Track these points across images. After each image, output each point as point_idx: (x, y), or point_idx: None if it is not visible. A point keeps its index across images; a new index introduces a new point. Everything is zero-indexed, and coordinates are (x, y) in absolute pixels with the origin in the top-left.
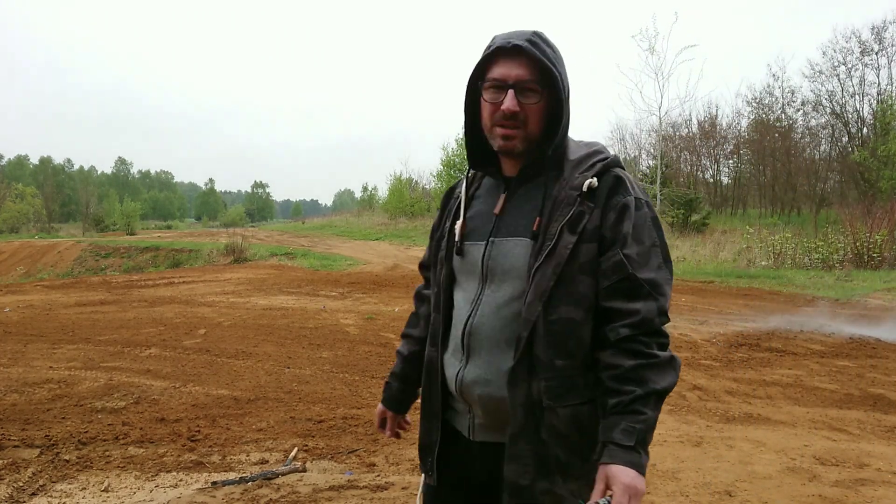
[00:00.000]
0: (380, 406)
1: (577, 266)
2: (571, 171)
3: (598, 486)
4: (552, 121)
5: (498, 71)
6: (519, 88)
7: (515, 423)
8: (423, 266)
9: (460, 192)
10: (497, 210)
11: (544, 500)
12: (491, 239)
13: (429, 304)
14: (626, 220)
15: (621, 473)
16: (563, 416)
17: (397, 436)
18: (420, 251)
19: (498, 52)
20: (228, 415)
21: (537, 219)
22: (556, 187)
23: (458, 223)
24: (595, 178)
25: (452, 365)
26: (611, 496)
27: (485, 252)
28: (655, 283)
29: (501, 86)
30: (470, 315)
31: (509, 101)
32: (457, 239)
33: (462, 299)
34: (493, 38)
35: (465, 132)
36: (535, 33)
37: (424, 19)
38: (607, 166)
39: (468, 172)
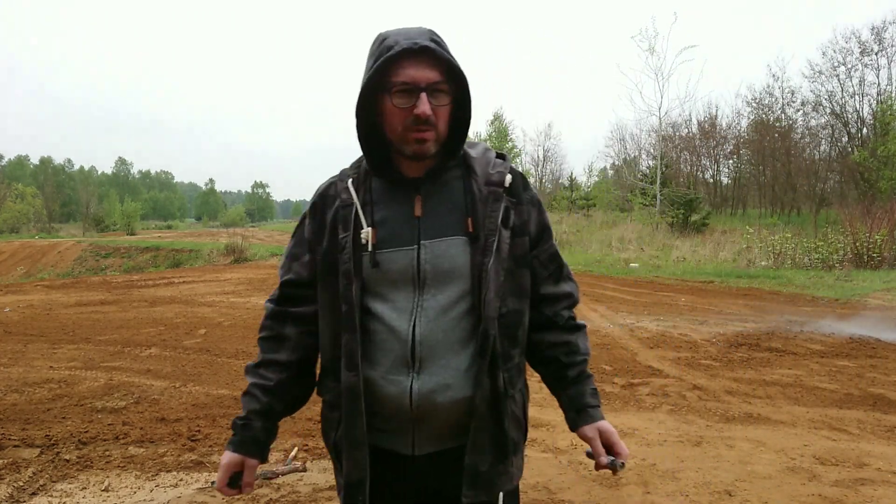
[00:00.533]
0: (231, 455)
1: (516, 260)
2: (482, 167)
3: (598, 443)
4: (457, 119)
5: (407, 74)
6: (430, 91)
7: (478, 417)
8: (294, 283)
9: (350, 200)
10: (418, 213)
11: (500, 481)
12: (422, 242)
13: (300, 325)
14: (543, 213)
15: (607, 425)
16: (518, 401)
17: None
18: None
19: (402, 54)
20: (228, 415)
21: (468, 218)
22: (473, 185)
23: (367, 232)
24: (509, 174)
25: (395, 382)
26: (618, 455)
27: (417, 257)
28: (568, 271)
29: (412, 90)
30: (413, 325)
31: (424, 106)
32: (370, 248)
33: (391, 311)
34: (387, 39)
35: (361, 140)
36: (432, 31)
37: (425, 19)
38: (507, 162)
39: (349, 180)
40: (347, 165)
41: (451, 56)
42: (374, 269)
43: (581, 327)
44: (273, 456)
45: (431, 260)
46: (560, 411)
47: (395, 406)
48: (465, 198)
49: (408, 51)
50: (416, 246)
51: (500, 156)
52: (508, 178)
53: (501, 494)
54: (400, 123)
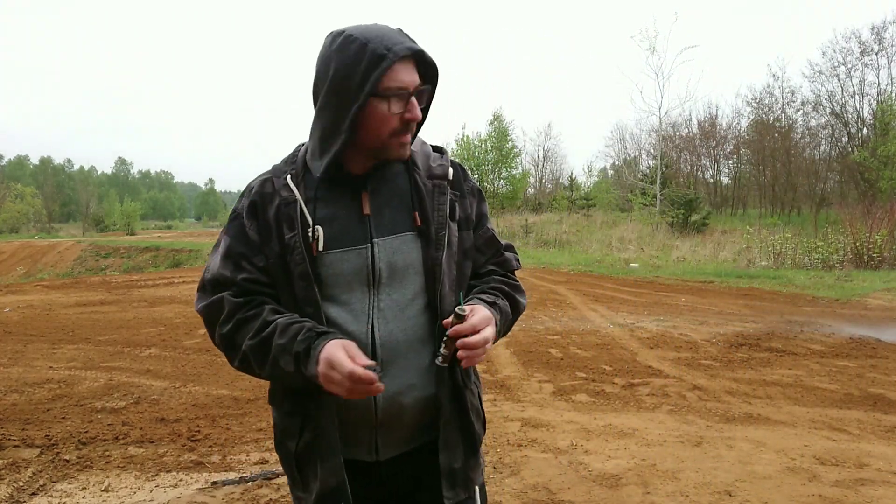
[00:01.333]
0: (335, 343)
1: (464, 253)
2: (423, 161)
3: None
4: None
5: (399, 79)
6: (416, 95)
7: (445, 413)
8: (254, 282)
9: (292, 196)
10: (366, 210)
11: (474, 475)
12: (374, 241)
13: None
14: (483, 201)
15: (483, 309)
16: (475, 392)
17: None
18: None
19: (388, 66)
20: (228, 415)
21: (415, 212)
22: (417, 178)
23: (317, 230)
24: (451, 167)
25: None
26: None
27: (372, 256)
28: (508, 244)
29: (403, 94)
30: (370, 327)
31: (417, 111)
32: (320, 249)
33: (347, 314)
34: (369, 42)
35: (323, 141)
36: (401, 30)
37: (425, 19)
38: (445, 155)
39: (287, 176)
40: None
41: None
42: (322, 272)
43: (516, 280)
44: (273, 456)
45: (386, 258)
46: (560, 411)
47: (359, 413)
48: (412, 192)
49: (397, 55)
50: (368, 245)
51: (437, 149)
52: (451, 171)
53: (477, 489)
54: (388, 128)
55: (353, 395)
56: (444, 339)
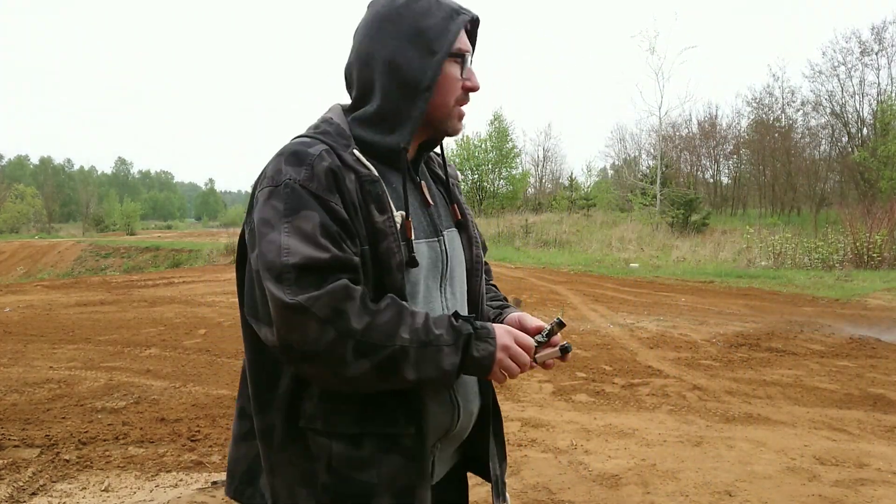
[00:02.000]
0: (505, 327)
1: None
2: (429, 153)
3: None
4: None
5: (465, 42)
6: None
7: (493, 422)
8: (354, 268)
9: (372, 174)
10: (429, 199)
11: (506, 480)
12: (443, 233)
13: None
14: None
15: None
16: (495, 395)
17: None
18: None
19: (463, 24)
20: (228, 415)
21: (454, 206)
22: (439, 171)
23: (400, 218)
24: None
25: (440, 400)
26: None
27: (442, 250)
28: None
29: (465, 60)
30: None
31: (476, 79)
32: (412, 237)
33: (425, 311)
34: (442, 3)
35: (416, 111)
36: None
37: None
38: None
39: (353, 149)
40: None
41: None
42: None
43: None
44: None
45: (451, 253)
46: (560, 411)
47: (437, 424)
48: (445, 185)
49: (469, 18)
50: (440, 237)
51: None
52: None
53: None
54: (453, 95)
55: (517, 374)
56: (541, 341)
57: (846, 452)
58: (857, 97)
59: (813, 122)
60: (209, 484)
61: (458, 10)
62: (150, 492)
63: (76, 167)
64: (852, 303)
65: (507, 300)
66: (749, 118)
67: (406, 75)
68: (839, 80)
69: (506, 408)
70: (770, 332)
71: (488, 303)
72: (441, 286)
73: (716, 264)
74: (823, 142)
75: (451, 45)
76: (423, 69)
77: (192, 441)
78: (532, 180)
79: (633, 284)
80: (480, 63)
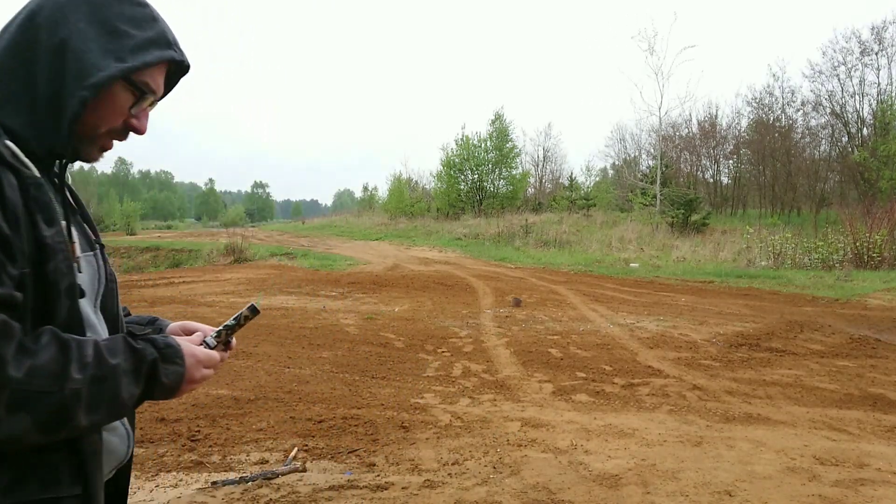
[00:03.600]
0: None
1: None
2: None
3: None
4: None
5: (156, 79)
6: (154, 105)
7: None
8: (10, 305)
9: (37, 178)
10: (75, 206)
11: None
12: (97, 245)
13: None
14: None
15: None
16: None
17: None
18: (421, 251)
19: (169, 59)
20: (228, 415)
21: (85, 226)
22: (71, 186)
23: (66, 230)
24: None
25: (114, 429)
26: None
27: (99, 264)
28: None
29: (146, 99)
30: None
31: (146, 123)
32: (78, 253)
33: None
34: (165, 26)
35: (71, 114)
36: None
37: (425, 19)
38: None
39: (5, 140)
40: None
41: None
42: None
43: None
44: (273, 456)
45: (103, 270)
46: (560, 411)
47: (116, 460)
48: (73, 199)
49: (179, 62)
50: (95, 250)
51: None
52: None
53: None
54: (109, 125)
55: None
56: (226, 329)
57: (846, 452)
58: (857, 97)
59: (813, 122)
60: (209, 484)
61: (172, 43)
62: (150, 492)
63: (76, 167)
64: (852, 303)
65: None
66: (749, 118)
67: (77, 64)
68: (839, 79)
69: (506, 408)
70: (770, 332)
71: (136, 323)
72: (95, 306)
73: (716, 264)
74: (823, 142)
75: (141, 69)
76: (97, 66)
77: (191, 441)
78: (532, 180)
79: (633, 284)
80: (480, 63)
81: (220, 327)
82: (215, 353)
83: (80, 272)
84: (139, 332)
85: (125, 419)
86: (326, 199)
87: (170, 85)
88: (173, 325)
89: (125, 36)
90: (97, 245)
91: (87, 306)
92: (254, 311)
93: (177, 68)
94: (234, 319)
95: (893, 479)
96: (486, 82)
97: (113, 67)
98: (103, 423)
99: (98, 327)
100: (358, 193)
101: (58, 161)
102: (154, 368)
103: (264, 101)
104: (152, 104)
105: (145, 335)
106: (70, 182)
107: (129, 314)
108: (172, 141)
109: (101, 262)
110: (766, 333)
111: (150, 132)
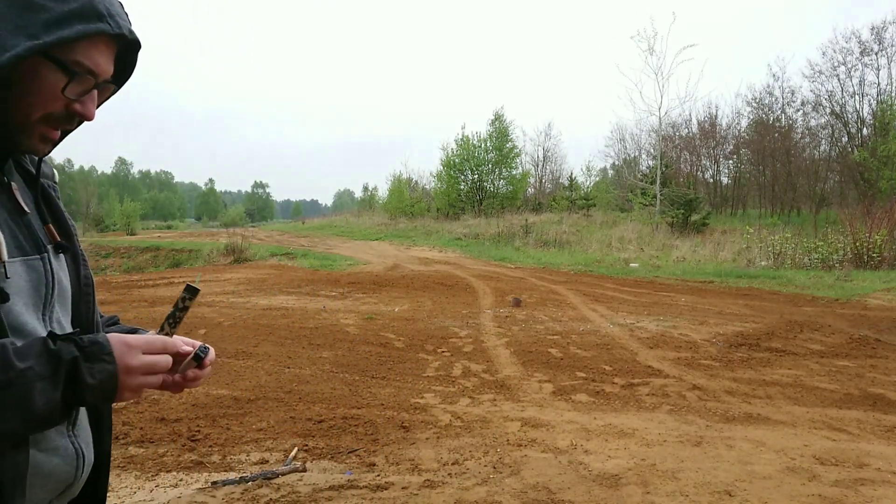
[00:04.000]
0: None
1: None
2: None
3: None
4: None
5: (94, 59)
6: (100, 87)
7: (106, 463)
8: None
9: None
10: (26, 207)
11: None
12: (48, 248)
13: None
14: None
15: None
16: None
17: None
18: (421, 251)
19: (104, 34)
20: (228, 415)
21: (48, 226)
22: (39, 178)
23: None
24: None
25: (56, 450)
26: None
27: (47, 269)
28: None
29: (87, 81)
30: None
31: (92, 108)
32: (4, 258)
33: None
34: None
35: None
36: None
37: (424, 19)
38: None
39: None
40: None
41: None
42: (8, 289)
43: None
44: (273, 456)
45: (56, 273)
46: (560, 411)
47: (62, 484)
48: (40, 196)
49: (118, 36)
50: (42, 254)
51: None
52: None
53: None
54: (44, 110)
55: (175, 386)
56: (168, 319)
57: (846, 452)
58: (857, 97)
59: (813, 122)
60: (209, 484)
61: (103, 15)
62: (150, 492)
63: (76, 167)
64: (852, 303)
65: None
66: (749, 118)
67: None
68: (839, 80)
69: (506, 408)
70: (770, 332)
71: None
72: (45, 317)
73: (716, 264)
74: (823, 142)
75: (59, 45)
76: (4, 46)
77: (191, 441)
78: (532, 180)
79: (633, 284)
80: (480, 63)
81: (167, 316)
82: (157, 337)
83: (7, 277)
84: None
85: (78, 435)
86: (326, 199)
87: (124, 65)
88: (123, 326)
89: (41, 10)
90: (51, 247)
91: (26, 313)
92: (192, 291)
93: (128, 46)
94: (172, 307)
95: (893, 479)
96: (486, 82)
97: (21, 46)
98: (18, 435)
99: (39, 335)
100: (358, 193)
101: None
102: (74, 369)
103: (264, 101)
104: (101, 87)
105: (72, 334)
106: (33, 179)
107: (116, 322)
108: (172, 141)
109: (49, 267)
110: (766, 333)
111: (150, 132)
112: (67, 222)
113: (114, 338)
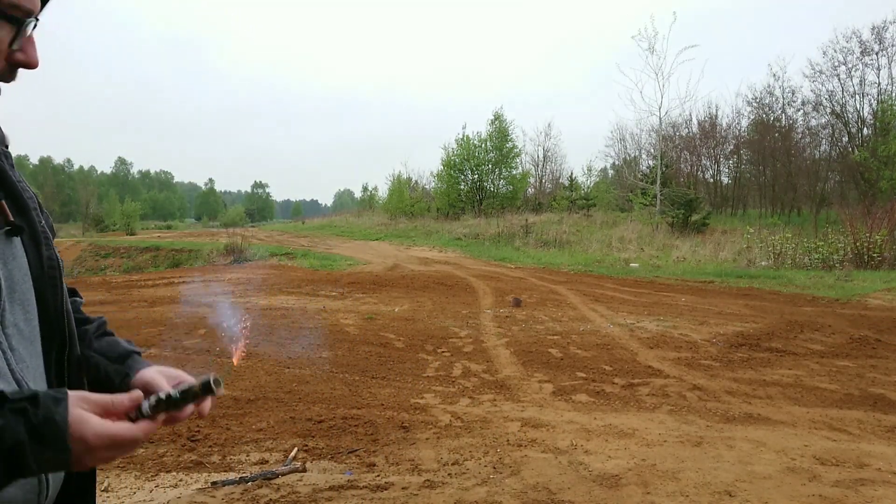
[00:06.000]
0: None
1: None
2: None
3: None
4: None
5: None
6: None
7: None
8: None
9: None
10: None
11: None
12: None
13: None
14: None
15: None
16: None
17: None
18: (421, 251)
19: None
20: (228, 415)
21: (1, 203)
22: None
23: None
24: None
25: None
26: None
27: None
28: None
29: (16, 19)
30: (11, 372)
31: (35, 53)
32: None
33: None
34: None
35: None
36: None
37: (424, 20)
38: None
39: None
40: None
41: None
42: None
43: None
44: (273, 456)
45: (9, 259)
46: (560, 412)
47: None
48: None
49: None
50: None
51: None
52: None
53: None
54: None
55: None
56: (168, 401)
57: (846, 452)
58: (857, 97)
59: (813, 122)
60: (209, 484)
61: None
62: (150, 492)
63: (76, 167)
64: (852, 303)
65: (131, 343)
66: (749, 118)
67: None
68: (839, 79)
69: (506, 408)
70: (770, 332)
71: (105, 354)
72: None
73: (716, 264)
74: (823, 142)
75: None
76: None
77: (191, 441)
78: (532, 180)
79: (633, 284)
80: (482, 64)
81: (163, 395)
82: (129, 431)
83: None
84: (104, 366)
85: None
86: (326, 199)
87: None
88: (148, 371)
89: None
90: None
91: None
92: (207, 389)
93: None
94: (180, 393)
95: (893, 479)
96: (486, 82)
97: None
98: None
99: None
100: (358, 193)
101: None
102: (17, 455)
103: (264, 101)
104: (32, 23)
105: (27, 398)
106: None
107: (104, 325)
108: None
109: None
110: (766, 333)
111: (149, 132)
112: (22, 195)
113: (75, 423)
